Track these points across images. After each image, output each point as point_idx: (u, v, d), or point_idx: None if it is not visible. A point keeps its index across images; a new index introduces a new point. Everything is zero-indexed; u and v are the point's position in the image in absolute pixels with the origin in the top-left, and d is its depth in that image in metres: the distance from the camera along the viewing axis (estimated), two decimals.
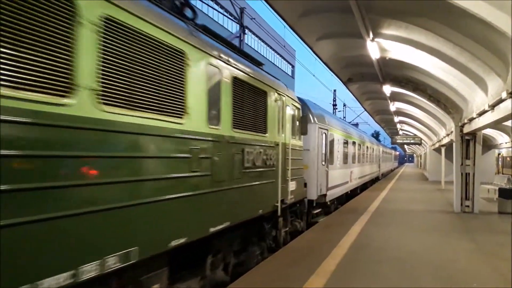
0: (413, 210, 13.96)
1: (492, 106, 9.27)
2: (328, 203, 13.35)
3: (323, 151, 12.46)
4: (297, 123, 9.13)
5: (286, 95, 8.29)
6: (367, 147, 24.82)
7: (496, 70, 8.33)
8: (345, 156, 16.60)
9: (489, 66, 8.49)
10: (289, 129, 8.41)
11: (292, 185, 8.48)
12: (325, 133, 12.75)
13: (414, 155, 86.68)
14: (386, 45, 10.78)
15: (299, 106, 9.42)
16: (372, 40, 9.70)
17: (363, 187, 23.75)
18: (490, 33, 6.84)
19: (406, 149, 71.53)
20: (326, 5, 9.05)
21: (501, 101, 8.45)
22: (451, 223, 11.53)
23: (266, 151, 6.79)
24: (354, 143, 18.93)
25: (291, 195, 8.42)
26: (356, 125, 35.07)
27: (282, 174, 7.70)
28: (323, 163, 12.39)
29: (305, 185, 10.42)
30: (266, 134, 6.92)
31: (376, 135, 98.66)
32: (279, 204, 7.51)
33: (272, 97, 7.25)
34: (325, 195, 12.57)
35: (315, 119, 11.88)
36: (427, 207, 15.02)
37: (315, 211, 12.23)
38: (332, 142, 13.79)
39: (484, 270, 6.70)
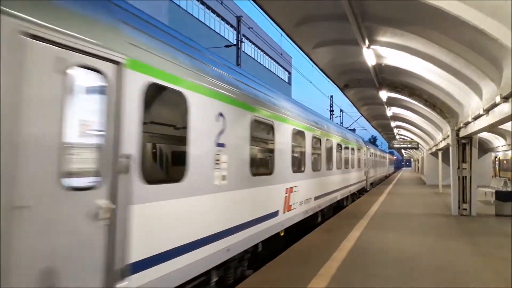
0: (412, 214, 14.09)
1: (487, 110, 9.47)
2: None
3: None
4: None
5: None
6: (341, 146, 15.67)
7: (490, 75, 8.53)
8: (281, 158, 8.39)
9: (483, 71, 8.69)
10: None
11: None
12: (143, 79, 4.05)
13: (411, 159, 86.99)
14: (382, 51, 10.99)
15: None
16: (368, 47, 9.90)
17: (337, 205, 15.60)
18: (483, 40, 7.03)
19: (404, 153, 71.82)
20: (322, 14, 9.24)
21: (495, 105, 8.65)
22: (449, 226, 11.67)
23: None
24: (302, 133, 10.12)
25: None
26: (354, 130, 35.24)
27: None
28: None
29: None
30: None
31: (373, 140, 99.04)
32: None
33: None
34: None
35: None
36: (426, 210, 15.16)
37: None
38: (184, 111, 4.86)
39: (485, 271, 6.83)
